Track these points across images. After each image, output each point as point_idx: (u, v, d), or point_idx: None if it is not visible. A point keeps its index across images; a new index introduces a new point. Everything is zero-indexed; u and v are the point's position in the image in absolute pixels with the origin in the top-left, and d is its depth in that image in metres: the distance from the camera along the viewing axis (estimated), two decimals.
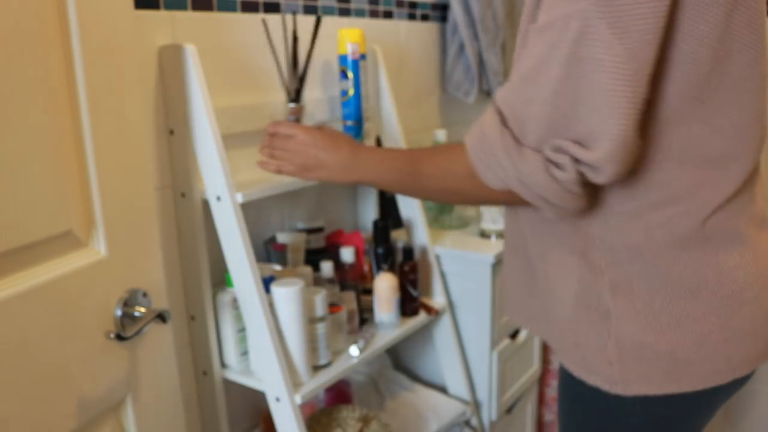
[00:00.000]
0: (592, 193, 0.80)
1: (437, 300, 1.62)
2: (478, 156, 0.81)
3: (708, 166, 0.79)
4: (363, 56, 1.42)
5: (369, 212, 1.67)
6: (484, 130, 0.80)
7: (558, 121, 0.73)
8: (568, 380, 0.94)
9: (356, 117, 1.44)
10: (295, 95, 1.26)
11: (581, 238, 0.85)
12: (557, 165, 0.75)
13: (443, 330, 1.62)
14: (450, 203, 0.89)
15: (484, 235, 1.64)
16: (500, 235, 1.62)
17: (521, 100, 0.76)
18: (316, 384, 1.22)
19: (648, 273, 0.82)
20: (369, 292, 1.49)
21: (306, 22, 1.46)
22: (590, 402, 0.92)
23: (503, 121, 0.78)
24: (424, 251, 1.60)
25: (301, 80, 1.26)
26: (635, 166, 0.77)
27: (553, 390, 1.95)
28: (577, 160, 0.73)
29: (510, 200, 0.83)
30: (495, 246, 1.57)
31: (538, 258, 0.91)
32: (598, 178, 0.74)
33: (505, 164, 0.78)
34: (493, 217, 1.61)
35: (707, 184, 0.80)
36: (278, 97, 1.40)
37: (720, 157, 0.79)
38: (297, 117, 1.27)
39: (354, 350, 1.32)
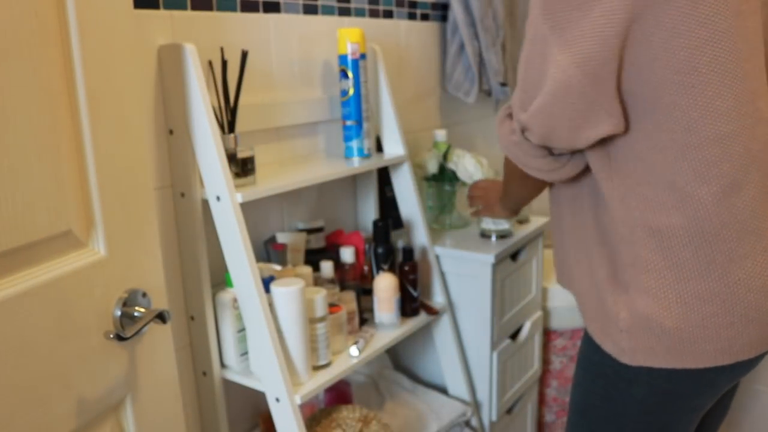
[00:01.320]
0: (577, 161, 0.94)
1: (437, 300, 1.62)
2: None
3: (710, 152, 0.84)
4: (363, 56, 1.42)
5: (369, 212, 1.67)
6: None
7: (522, 96, 0.91)
8: (586, 346, 1.04)
9: (356, 117, 1.43)
10: (229, 127, 1.21)
11: (608, 216, 0.94)
12: (514, 130, 0.95)
13: (443, 330, 1.62)
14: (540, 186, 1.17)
15: (484, 235, 1.64)
16: (501, 235, 1.62)
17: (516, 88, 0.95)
18: (315, 384, 1.22)
19: (662, 252, 0.88)
20: (369, 292, 1.48)
21: (306, 22, 1.45)
22: (600, 368, 1.00)
23: (508, 107, 0.99)
24: (424, 251, 1.59)
25: (233, 112, 1.21)
26: (641, 153, 0.87)
27: (553, 390, 1.95)
28: (524, 126, 0.92)
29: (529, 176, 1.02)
30: (495, 246, 1.57)
31: (576, 231, 1.03)
32: (532, 137, 0.91)
33: (498, 135, 1.00)
34: (494, 218, 1.61)
35: (713, 173, 0.84)
36: (277, 97, 1.40)
37: (719, 139, 0.83)
38: None
39: (354, 350, 1.32)
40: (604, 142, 0.91)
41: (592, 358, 1.02)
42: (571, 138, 0.88)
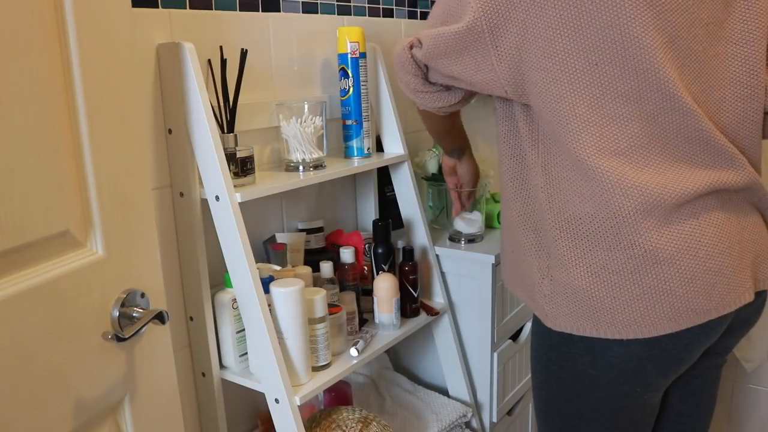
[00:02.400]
0: (454, 93, 1.07)
1: (437, 300, 1.61)
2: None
3: (609, 129, 0.89)
4: (363, 55, 1.42)
5: (369, 212, 1.67)
6: None
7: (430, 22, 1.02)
8: (532, 330, 1.11)
9: (356, 116, 1.43)
10: (228, 126, 1.21)
11: (533, 186, 0.99)
12: (405, 45, 1.04)
13: (443, 331, 1.62)
14: (438, 131, 1.32)
15: (453, 239, 1.62)
16: (470, 239, 1.60)
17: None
18: (315, 385, 1.21)
19: (575, 223, 0.93)
20: (369, 292, 1.48)
21: (306, 21, 1.45)
22: (536, 335, 1.08)
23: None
24: (424, 251, 1.59)
25: (232, 112, 1.21)
26: (551, 125, 0.92)
27: None
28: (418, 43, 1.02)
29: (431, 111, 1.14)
30: (495, 246, 1.57)
31: (510, 207, 1.07)
32: (418, 53, 1.02)
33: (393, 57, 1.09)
34: (465, 221, 1.59)
35: (611, 148, 0.89)
36: (276, 97, 1.40)
37: (618, 118, 0.88)
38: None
39: (354, 351, 1.31)
40: (508, 105, 1.01)
41: (533, 346, 1.10)
42: (449, 69, 0.99)
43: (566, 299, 0.96)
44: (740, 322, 1.01)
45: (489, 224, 1.71)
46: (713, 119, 0.91)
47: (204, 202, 1.17)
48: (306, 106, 1.30)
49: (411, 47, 1.03)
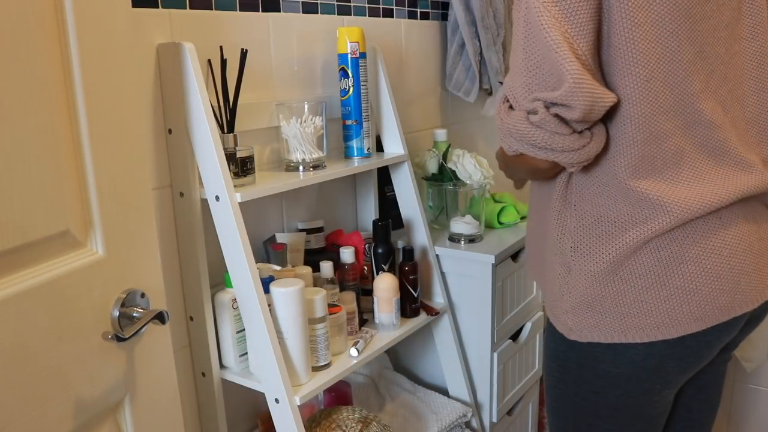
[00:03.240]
0: (599, 138, 0.90)
1: (437, 300, 1.61)
2: (499, 134, 0.97)
3: (648, 149, 0.90)
4: (363, 55, 1.42)
5: (369, 212, 1.67)
6: (495, 113, 0.99)
7: (532, 80, 0.88)
8: (548, 330, 1.10)
9: (356, 116, 1.43)
10: (228, 126, 1.21)
11: (561, 202, 0.99)
12: (533, 111, 0.88)
13: (443, 331, 1.62)
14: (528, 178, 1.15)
15: (452, 239, 1.62)
16: (470, 239, 1.60)
17: (510, 76, 0.93)
18: (315, 385, 1.21)
19: (602, 236, 0.94)
20: (369, 292, 1.48)
21: (306, 21, 1.45)
22: (554, 351, 1.07)
23: (505, 99, 0.95)
24: (424, 251, 1.59)
25: (232, 112, 1.21)
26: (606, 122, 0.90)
27: None
28: (552, 104, 0.86)
29: (540, 167, 0.95)
30: (495, 246, 1.57)
31: (538, 218, 1.07)
32: (573, 114, 0.85)
33: (504, 130, 0.94)
34: (464, 221, 1.59)
35: (647, 168, 0.90)
36: (276, 97, 1.40)
37: (659, 136, 0.90)
38: None
39: (354, 351, 1.31)
40: None
41: (549, 344, 1.09)
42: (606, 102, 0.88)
43: (590, 311, 0.97)
44: (755, 317, 1.03)
45: (489, 224, 1.71)
46: (741, 115, 0.94)
47: (204, 202, 1.17)
48: (306, 106, 1.30)
49: (554, 114, 0.88)
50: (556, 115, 0.87)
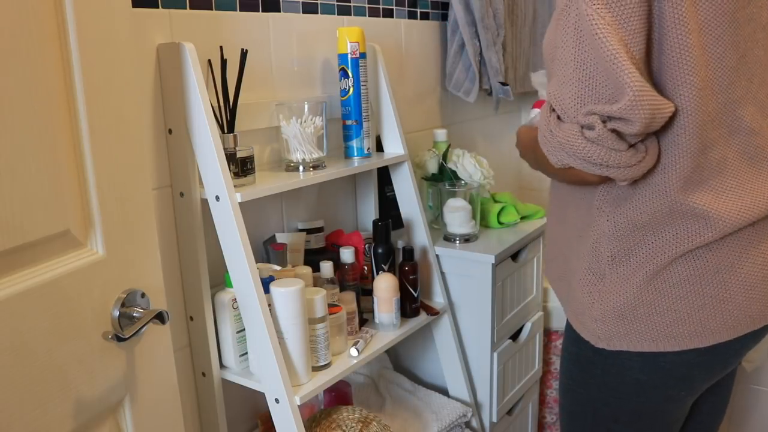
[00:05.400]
0: (653, 152, 0.87)
1: (437, 300, 1.61)
2: (543, 146, 0.92)
3: (696, 161, 0.88)
4: (363, 55, 1.42)
5: (369, 212, 1.67)
6: (540, 122, 0.92)
7: (585, 91, 0.84)
8: (566, 338, 1.09)
9: (356, 116, 1.43)
10: (228, 126, 1.21)
11: (600, 209, 0.95)
12: (588, 126, 0.84)
13: (443, 331, 1.62)
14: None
15: (447, 239, 1.62)
16: (465, 239, 1.60)
17: (557, 85, 0.87)
18: (315, 385, 1.21)
19: (645, 247, 0.92)
20: (369, 292, 1.48)
21: (306, 21, 1.45)
22: (576, 357, 1.05)
23: (551, 109, 0.89)
24: (424, 251, 1.59)
25: (232, 112, 1.21)
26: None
27: (554, 391, 1.95)
28: (608, 118, 0.82)
29: (589, 180, 0.92)
30: (495, 246, 1.57)
31: (564, 223, 1.05)
32: (632, 128, 0.81)
33: (553, 143, 0.89)
34: (460, 221, 1.59)
35: (696, 179, 0.89)
36: (276, 97, 1.40)
37: (706, 146, 0.88)
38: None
39: (354, 351, 1.31)
40: None
41: (570, 348, 1.07)
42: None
43: (622, 321, 0.95)
44: None
45: (486, 224, 1.71)
46: None
47: (204, 202, 1.17)
48: (306, 106, 1.30)
49: (611, 129, 0.84)
50: (613, 130, 0.83)
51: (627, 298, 0.94)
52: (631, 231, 0.93)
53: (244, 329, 1.24)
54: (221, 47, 1.20)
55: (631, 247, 0.93)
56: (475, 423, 1.63)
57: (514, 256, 1.63)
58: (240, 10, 1.30)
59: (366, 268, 1.51)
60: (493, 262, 1.51)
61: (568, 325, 1.08)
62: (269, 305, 1.17)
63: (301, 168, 1.31)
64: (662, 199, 0.90)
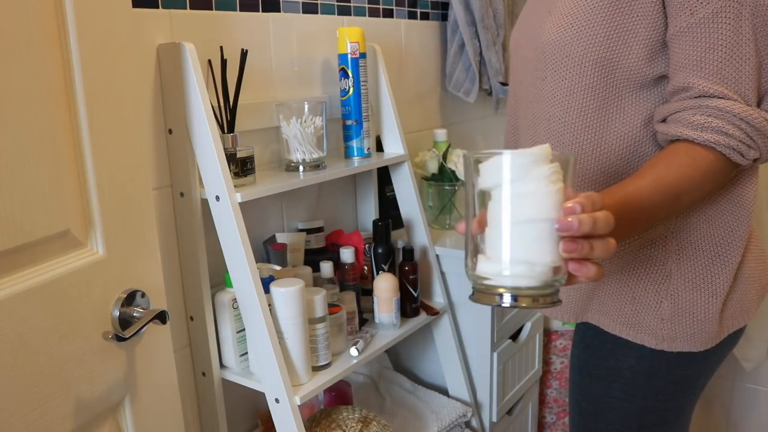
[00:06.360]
0: None
1: (437, 300, 1.61)
2: (738, 141, 0.81)
3: None
4: (363, 55, 1.42)
5: (369, 212, 1.67)
6: (728, 118, 0.81)
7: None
8: (596, 351, 1.01)
9: (356, 116, 1.43)
10: (228, 126, 1.21)
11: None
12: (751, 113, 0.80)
13: (443, 330, 1.62)
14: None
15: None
16: None
17: (739, 80, 0.80)
18: (315, 385, 1.21)
19: (712, 240, 0.91)
20: (369, 292, 1.48)
21: (306, 21, 1.45)
22: (617, 370, 0.99)
23: (746, 102, 0.81)
24: (424, 251, 1.59)
25: (232, 112, 1.21)
26: None
27: (554, 391, 1.95)
28: None
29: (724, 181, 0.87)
30: None
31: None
32: None
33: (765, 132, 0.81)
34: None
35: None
36: (276, 97, 1.40)
37: None
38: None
39: (354, 351, 1.31)
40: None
41: (598, 362, 1.00)
42: None
43: (691, 319, 0.93)
44: None
45: None
46: None
47: (204, 202, 1.17)
48: (306, 106, 1.30)
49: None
50: None
51: (697, 295, 0.93)
52: (707, 229, 0.94)
53: (244, 329, 1.24)
54: (221, 47, 1.20)
55: (708, 243, 0.94)
56: (475, 423, 1.63)
57: None
58: (240, 10, 1.30)
59: (366, 268, 1.51)
60: None
61: (602, 341, 1.00)
62: (269, 305, 1.17)
63: (301, 168, 1.31)
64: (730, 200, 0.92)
